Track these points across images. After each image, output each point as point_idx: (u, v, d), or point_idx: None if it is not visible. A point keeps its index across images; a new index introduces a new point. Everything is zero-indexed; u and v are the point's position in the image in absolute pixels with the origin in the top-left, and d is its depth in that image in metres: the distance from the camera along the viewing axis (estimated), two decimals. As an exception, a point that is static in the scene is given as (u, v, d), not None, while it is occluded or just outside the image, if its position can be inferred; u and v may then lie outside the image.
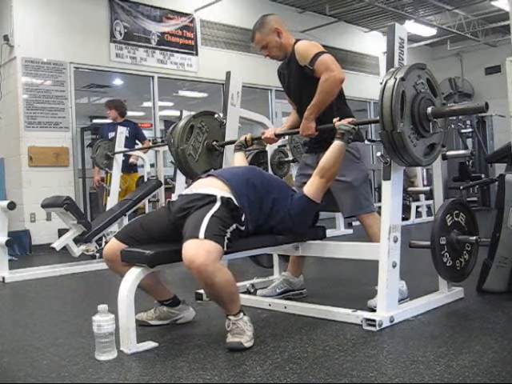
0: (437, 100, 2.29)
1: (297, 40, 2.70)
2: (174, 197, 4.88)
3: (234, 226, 2.14)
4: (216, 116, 3.13)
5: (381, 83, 2.17)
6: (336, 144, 2.39)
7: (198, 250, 1.94)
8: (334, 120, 2.45)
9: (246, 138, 2.92)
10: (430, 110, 2.20)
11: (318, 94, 2.52)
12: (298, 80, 2.68)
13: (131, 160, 5.81)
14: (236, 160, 2.88)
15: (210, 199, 2.15)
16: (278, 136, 2.96)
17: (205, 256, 1.92)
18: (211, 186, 2.27)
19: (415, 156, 2.19)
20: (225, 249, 2.03)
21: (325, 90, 2.51)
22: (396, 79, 2.12)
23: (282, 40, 2.70)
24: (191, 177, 3.14)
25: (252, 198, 2.28)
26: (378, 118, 2.18)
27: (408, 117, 2.16)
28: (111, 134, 5.69)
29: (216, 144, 3.10)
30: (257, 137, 2.98)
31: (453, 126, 8.65)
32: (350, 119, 2.44)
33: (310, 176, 2.51)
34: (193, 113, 3.21)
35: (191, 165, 3.07)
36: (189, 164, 3.06)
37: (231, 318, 2.03)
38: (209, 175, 2.43)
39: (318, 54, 2.54)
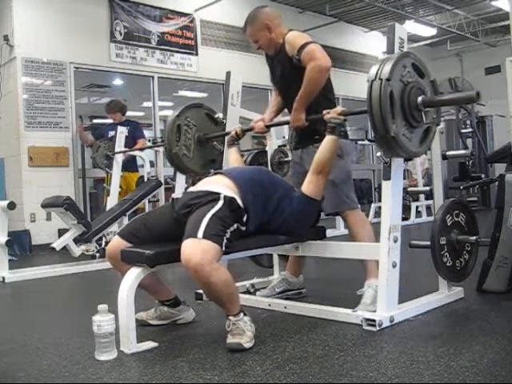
0: (424, 81, 2.22)
1: (289, 30, 2.68)
2: (174, 196, 4.87)
3: (235, 225, 2.13)
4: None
5: (367, 81, 2.09)
6: (329, 139, 2.36)
7: (195, 249, 1.94)
8: (324, 112, 2.40)
9: (236, 132, 2.87)
10: (420, 99, 2.12)
11: (304, 84, 2.50)
12: (288, 71, 2.65)
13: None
14: (231, 157, 2.86)
15: (213, 197, 2.15)
16: (269, 127, 2.93)
17: (201, 255, 1.92)
18: (217, 183, 2.27)
19: (411, 151, 2.17)
20: (223, 249, 2.03)
21: (311, 79, 2.48)
22: (382, 80, 2.04)
23: (272, 35, 2.69)
24: (188, 173, 3.14)
25: (257, 196, 2.27)
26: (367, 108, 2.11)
27: (399, 114, 2.10)
28: (111, 133, 5.68)
29: (206, 137, 3.04)
30: (247, 128, 2.94)
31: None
32: (340, 109, 2.37)
33: (299, 174, 2.49)
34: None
35: (188, 165, 3.02)
36: (185, 164, 3.01)
37: (231, 318, 2.03)
38: (216, 173, 2.43)
39: (305, 44, 2.51)
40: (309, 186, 2.40)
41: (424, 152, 2.33)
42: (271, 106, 2.96)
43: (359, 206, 2.80)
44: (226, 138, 2.92)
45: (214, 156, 3.10)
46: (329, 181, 2.56)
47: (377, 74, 2.07)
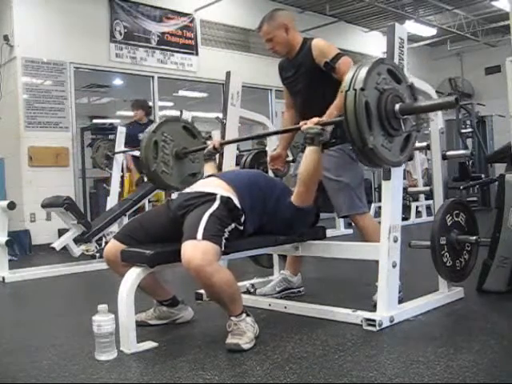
0: (401, 86, 2.09)
1: (305, 38, 2.70)
2: (174, 196, 4.87)
3: (233, 225, 2.12)
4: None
5: (340, 91, 2.01)
6: (310, 150, 2.27)
7: (195, 251, 1.93)
8: (301, 123, 2.33)
9: (214, 146, 2.77)
10: (397, 107, 1.99)
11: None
12: (311, 76, 2.64)
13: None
14: (207, 173, 2.68)
15: (209, 197, 2.15)
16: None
17: (202, 257, 1.92)
18: (213, 185, 2.27)
19: (392, 161, 2.07)
20: (223, 249, 2.03)
21: None
22: (356, 90, 1.90)
23: (288, 37, 2.69)
24: (169, 190, 3.11)
25: (255, 198, 2.27)
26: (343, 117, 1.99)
27: (377, 125, 1.98)
28: (141, 135, 5.55)
29: (185, 151, 2.93)
30: (226, 141, 2.87)
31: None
32: (316, 120, 2.28)
33: None
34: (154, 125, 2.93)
35: (168, 181, 2.89)
36: (165, 182, 2.89)
37: (233, 318, 2.03)
38: (211, 175, 2.43)
39: (340, 54, 2.55)
40: (297, 198, 2.35)
41: (405, 160, 2.20)
42: (283, 141, 3.03)
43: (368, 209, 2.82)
44: (204, 151, 2.79)
45: (194, 169, 3.00)
46: (345, 184, 2.60)
47: (350, 83, 1.93)
